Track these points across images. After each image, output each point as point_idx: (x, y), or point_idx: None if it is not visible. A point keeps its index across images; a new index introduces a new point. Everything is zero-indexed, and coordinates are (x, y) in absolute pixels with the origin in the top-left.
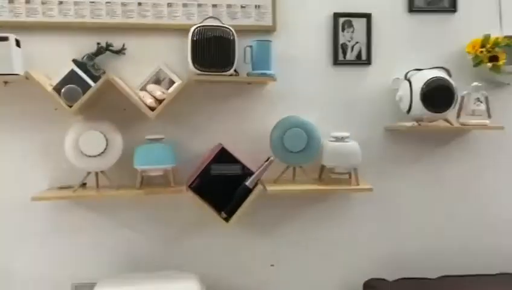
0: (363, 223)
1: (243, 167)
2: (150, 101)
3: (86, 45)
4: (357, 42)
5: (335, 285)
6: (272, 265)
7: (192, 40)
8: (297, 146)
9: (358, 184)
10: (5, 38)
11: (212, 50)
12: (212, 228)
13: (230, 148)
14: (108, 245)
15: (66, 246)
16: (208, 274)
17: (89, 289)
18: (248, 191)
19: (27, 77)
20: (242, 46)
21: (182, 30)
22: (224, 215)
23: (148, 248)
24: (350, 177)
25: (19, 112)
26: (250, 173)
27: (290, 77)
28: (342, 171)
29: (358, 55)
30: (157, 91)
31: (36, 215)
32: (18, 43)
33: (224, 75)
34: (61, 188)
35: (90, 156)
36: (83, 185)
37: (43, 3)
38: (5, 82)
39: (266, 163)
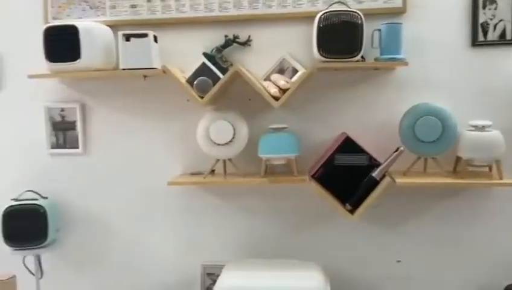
0: (504, 222)
1: (370, 157)
2: (274, 90)
3: (215, 38)
4: (500, 20)
5: (467, 287)
6: (399, 261)
7: (318, 27)
8: (430, 135)
9: (501, 178)
10: (145, 35)
11: (339, 36)
12: (335, 219)
13: (356, 138)
14: (232, 230)
15: (195, 228)
16: (329, 266)
17: (217, 269)
18: (375, 182)
19: (164, 71)
20: (369, 31)
21: (306, 18)
22: (349, 207)
23: (270, 235)
24: (490, 170)
25: (156, 103)
26: (377, 164)
27: (421, 61)
28: (481, 164)
29: (502, 35)
30: (281, 80)
31: (169, 199)
32: (155, 39)
33: (351, 61)
34: (193, 174)
35: (219, 145)
36: (212, 171)
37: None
38: (144, 76)
39: (395, 153)
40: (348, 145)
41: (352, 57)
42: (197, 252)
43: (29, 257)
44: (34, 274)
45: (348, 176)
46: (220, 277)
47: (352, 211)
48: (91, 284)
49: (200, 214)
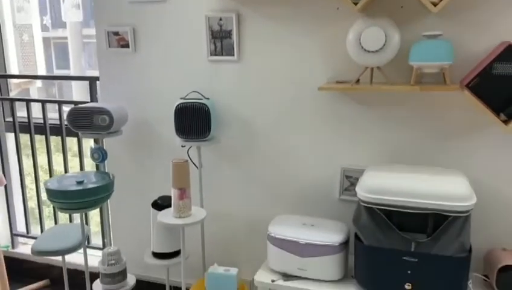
0: None
1: None
2: None
3: None
4: None
5: None
6: None
7: None
8: None
9: None
10: None
11: None
12: (486, 131)
13: None
14: (376, 137)
15: (338, 133)
16: (474, 177)
17: (356, 173)
18: None
19: None
20: None
21: None
22: (503, 117)
23: (415, 144)
24: None
25: (306, 11)
26: None
27: None
28: None
29: None
30: None
31: (315, 105)
32: None
33: None
34: (338, 82)
35: (369, 52)
36: (357, 81)
37: None
38: None
39: None
40: (510, 53)
41: None
42: (339, 156)
43: (192, 149)
44: (195, 165)
45: (506, 86)
46: (361, 177)
47: (507, 122)
48: (240, 176)
49: (344, 120)
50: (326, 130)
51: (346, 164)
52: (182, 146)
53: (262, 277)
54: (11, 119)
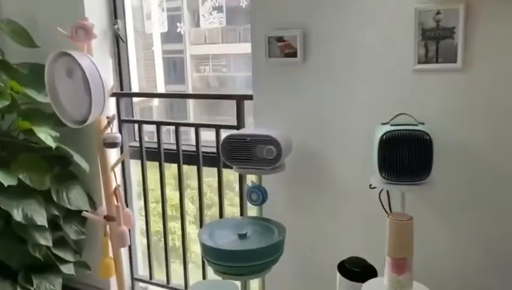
0: None
1: None
2: None
3: None
4: None
5: None
6: None
7: None
8: None
9: None
10: None
11: None
12: None
13: None
14: None
15: None
16: None
17: None
18: None
19: None
20: None
21: None
22: None
23: None
24: None
25: None
26: None
27: None
28: None
29: None
30: None
31: None
32: None
33: None
34: None
35: None
36: None
37: None
38: None
39: None
40: None
41: None
42: None
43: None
44: (386, 212)
45: None
46: None
47: None
48: (461, 236)
49: None
50: None
51: None
52: (372, 187)
53: None
54: (135, 143)
